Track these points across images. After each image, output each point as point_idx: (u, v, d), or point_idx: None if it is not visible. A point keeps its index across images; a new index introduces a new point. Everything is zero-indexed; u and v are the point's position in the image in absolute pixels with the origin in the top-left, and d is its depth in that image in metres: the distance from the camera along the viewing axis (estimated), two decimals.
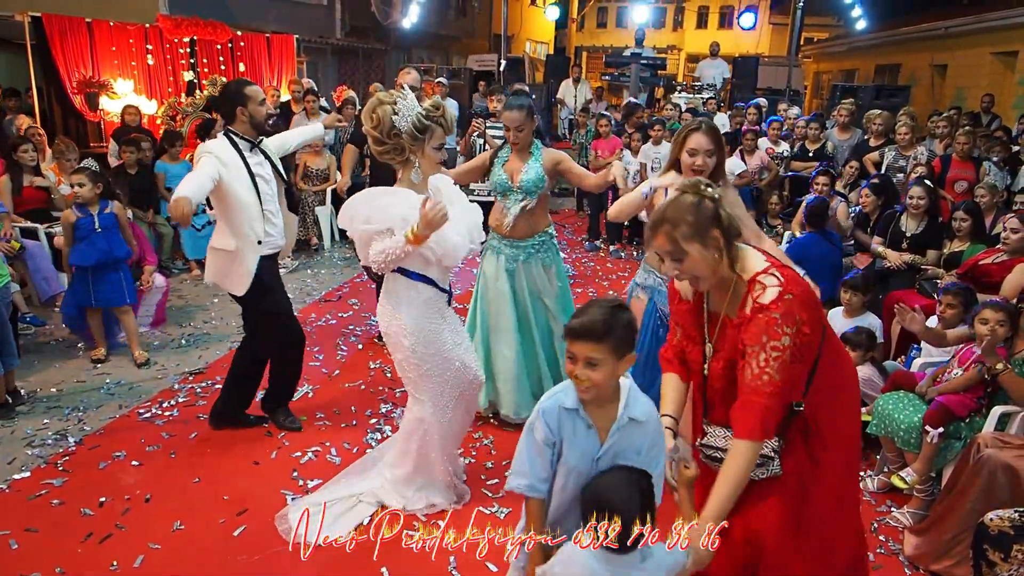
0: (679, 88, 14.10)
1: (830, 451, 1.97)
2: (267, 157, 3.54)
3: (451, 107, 6.08)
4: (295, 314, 3.85)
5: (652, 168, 7.55)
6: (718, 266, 1.86)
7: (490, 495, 3.22)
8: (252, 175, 3.38)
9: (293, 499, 3.13)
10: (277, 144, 3.71)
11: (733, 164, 6.62)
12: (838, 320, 4.13)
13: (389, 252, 2.63)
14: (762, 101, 9.54)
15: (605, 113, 8.72)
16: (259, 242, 3.41)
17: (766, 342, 1.77)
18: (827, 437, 1.96)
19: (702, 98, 11.66)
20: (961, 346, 3.32)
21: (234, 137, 3.38)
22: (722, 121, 9.15)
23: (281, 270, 6.42)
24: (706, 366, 1.99)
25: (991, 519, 2.35)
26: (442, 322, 2.88)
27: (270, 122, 6.24)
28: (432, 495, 3.07)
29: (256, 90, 3.45)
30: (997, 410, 3.04)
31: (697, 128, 2.94)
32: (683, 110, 9.22)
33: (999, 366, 2.99)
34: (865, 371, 3.63)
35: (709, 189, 1.88)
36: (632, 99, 10.78)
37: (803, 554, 1.94)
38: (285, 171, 3.58)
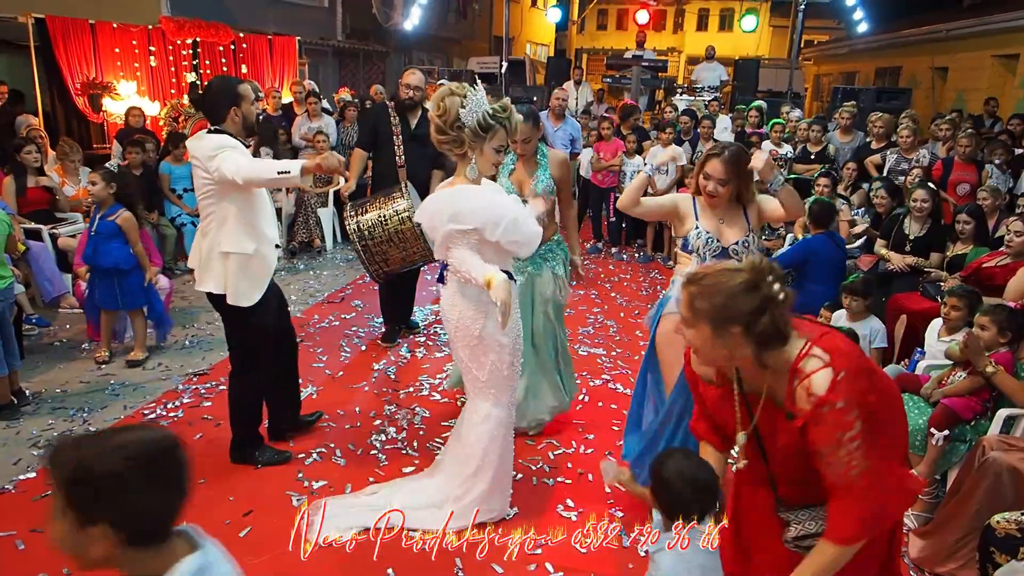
0: (680, 90, 14.11)
1: None
2: None
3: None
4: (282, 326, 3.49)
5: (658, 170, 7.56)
6: (728, 361, 1.64)
7: None
8: None
9: (298, 501, 3.13)
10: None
11: None
12: (841, 323, 4.13)
13: (466, 273, 2.61)
14: (763, 104, 9.54)
15: (607, 115, 8.73)
16: (276, 245, 3.20)
17: (841, 437, 1.57)
18: None
19: (704, 100, 11.64)
20: None
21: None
22: (724, 124, 9.14)
23: (280, 272, 6.46)
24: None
25: (998, 521, 2.35)
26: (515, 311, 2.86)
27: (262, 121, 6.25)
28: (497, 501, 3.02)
29: (248, 89, 3.13)
30: (1002, 412, 3.04)
31: (717, 154, 2.85)
32: (679, 111, 9.19)
33: (988, 368, 3.00)
34: None
35: (775, 285, 1.59)
36: (629, 100, 10.76)
37: None
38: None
